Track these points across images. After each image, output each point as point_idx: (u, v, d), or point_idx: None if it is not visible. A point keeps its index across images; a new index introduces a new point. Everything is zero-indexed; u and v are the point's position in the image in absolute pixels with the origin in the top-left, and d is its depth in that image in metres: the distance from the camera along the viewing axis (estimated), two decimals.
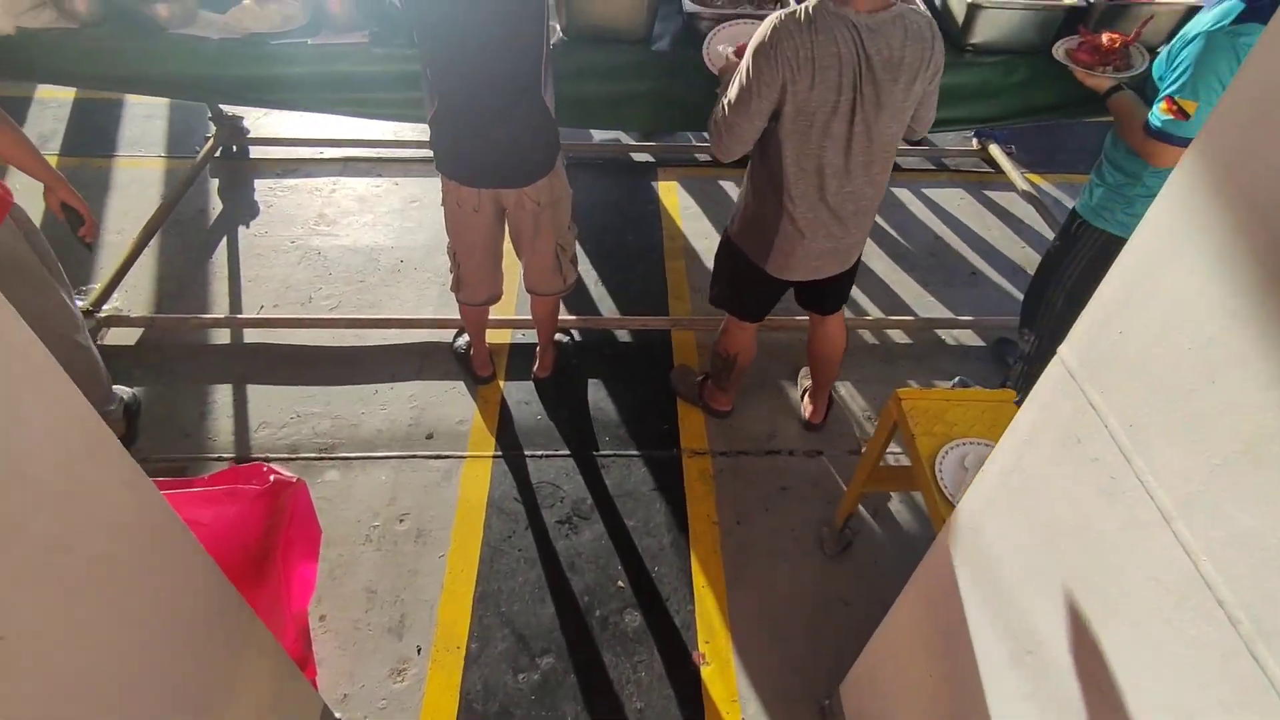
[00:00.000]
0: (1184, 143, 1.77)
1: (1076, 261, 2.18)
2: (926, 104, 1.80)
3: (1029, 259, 3.44)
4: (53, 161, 3.42)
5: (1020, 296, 2.89)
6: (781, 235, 1.88)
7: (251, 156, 3.76)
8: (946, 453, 1.77)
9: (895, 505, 2.46)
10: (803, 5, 1.57)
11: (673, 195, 3.72)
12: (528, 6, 1.79)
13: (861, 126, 1.67)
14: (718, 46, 2.07)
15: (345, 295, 3.05)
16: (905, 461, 2.47)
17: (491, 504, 2.38)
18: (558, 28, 2.20)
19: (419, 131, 3.73)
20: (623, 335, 2.99)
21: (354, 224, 3.40)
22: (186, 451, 2.46)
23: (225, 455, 2.46)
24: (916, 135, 1.90)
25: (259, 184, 3.59)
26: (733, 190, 3.77)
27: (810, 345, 2.43)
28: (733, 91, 1.66)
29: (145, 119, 3.95)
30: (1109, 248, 2.06)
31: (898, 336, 3.04)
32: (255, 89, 2.13)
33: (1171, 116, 1.77)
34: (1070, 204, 3.83)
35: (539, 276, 2.35)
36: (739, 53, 1.83)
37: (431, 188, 3.59)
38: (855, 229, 1.92)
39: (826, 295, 2.19)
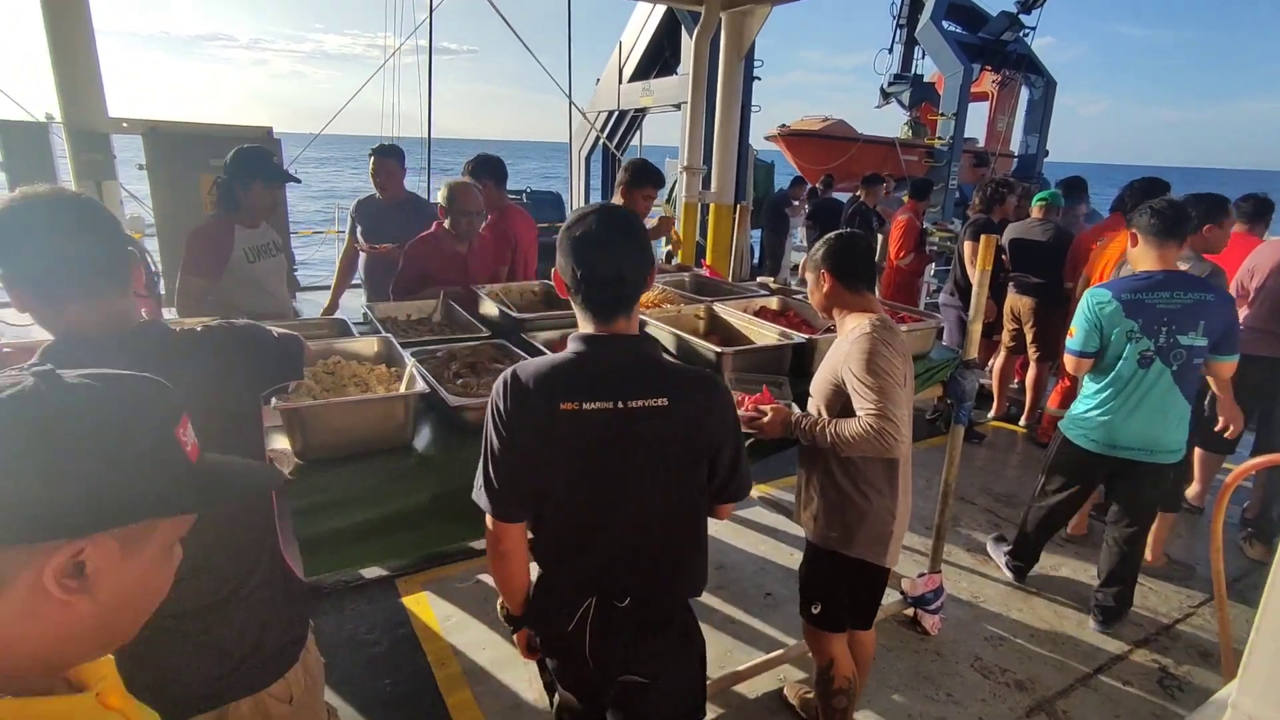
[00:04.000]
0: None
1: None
2: None
3: None
4: None
5: None
6: (899, 522, 2.02)
7: None
8: None
9: None
10: (867, 317, 1.91)
11: (425, 607, 3.05)
12: (240, 442, 1.32)
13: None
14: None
15: None
16: None
17: None
18: (291, 455, 1.71)
19: None
20: None
21: None
22: None
23: None
24: None
25: None
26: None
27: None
28: (874, 397, 1.80)
29: None
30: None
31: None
32: None
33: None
34: None
35: None
36: (759, 402, 2.07)
37: None
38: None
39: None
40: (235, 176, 2.71)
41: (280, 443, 1.79)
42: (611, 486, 1.38)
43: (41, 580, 0.57)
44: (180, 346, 1.26)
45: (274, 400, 1.68)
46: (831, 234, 2.03)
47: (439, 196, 3.17)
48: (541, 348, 2.34)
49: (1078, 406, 2.91)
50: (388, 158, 3.66)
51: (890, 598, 3.02)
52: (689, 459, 1.40)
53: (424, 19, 5.80)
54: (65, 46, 3.35)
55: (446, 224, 3.16)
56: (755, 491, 4.03)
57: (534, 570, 1.54)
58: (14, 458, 0.56)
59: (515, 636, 1.60)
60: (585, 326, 1.40)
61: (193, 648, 1.27)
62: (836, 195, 9.19)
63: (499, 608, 1.59)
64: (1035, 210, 4.80)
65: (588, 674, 1.48)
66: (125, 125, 3.62)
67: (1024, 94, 15.45)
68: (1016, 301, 4.84)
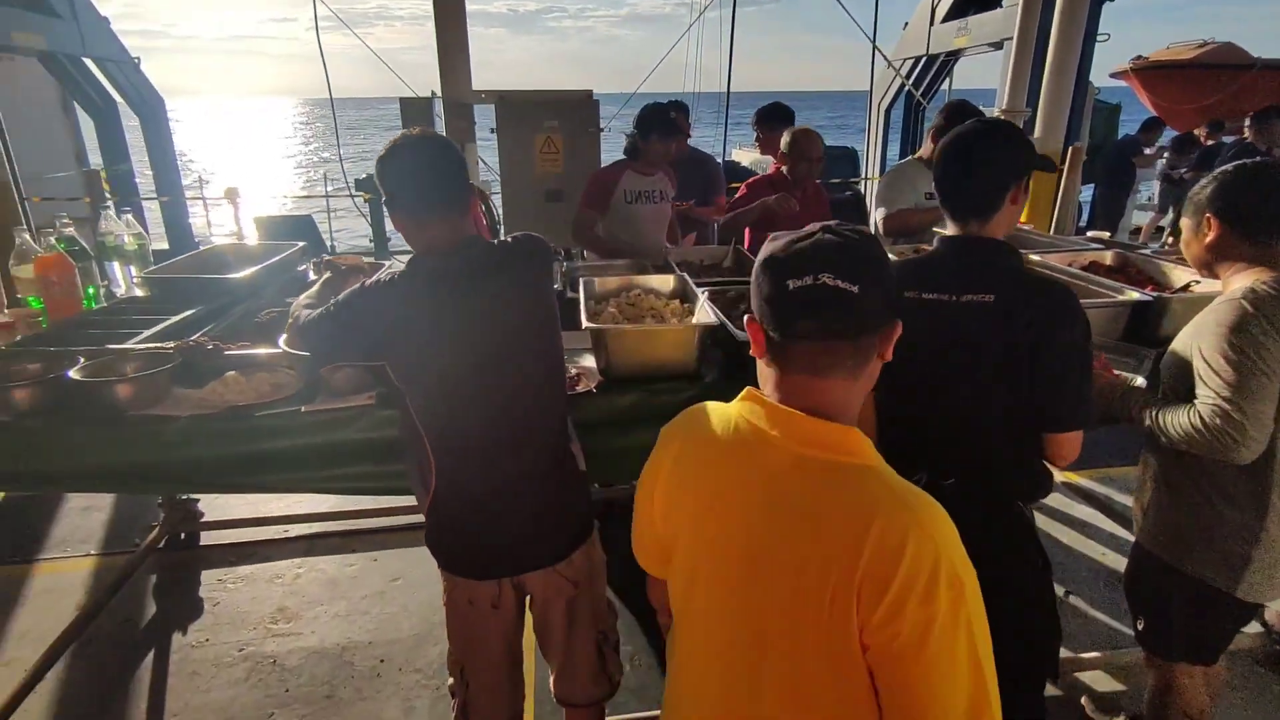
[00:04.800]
0: None
1: None
2: None
3: (1119, 564, 2.99)
4: None
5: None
6: (1267, 548, 1.55)
7: (201, 544, 3.20)
8: None
9: None
10: (1257, 276, 1.49)
11: None
12: (545, 339, 1.54)
13: None
14: None
15: None
16: None
17: None
18: (595, 372, 1.94)
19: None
20: None
21: (322, 616, 2.74)
22: None
23: None
24: None
25: (207, 576, 2.98)
26: None
27: None
28: (1220, 383, 1.42)
29: (82, 512, 3.43)
30: None
31: None
32: (227, 472, 1.71)
33: None
34: (1120, 499, 3.57)
35: (577, 682, 1.74)
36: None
37: (417, 560, 3.04)
38: None
39: None
40: (638, 129, 3.13)
41: (587, 361, 2.03)
42: (939, 373, 1.47)
43: (884, 352, 0.92)
44: (501, 251, 1.50)
45: (584, 321, 1.91)
46: (1229, 166, 1.56)
47: (782, 143, 3.30)
48: None
49: None
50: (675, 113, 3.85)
51: (1250, 627, 2.47)
52: (1011, 361, 1.39)
53: None
54: (447, 35, 4.08)
55: (784, 169, 3.28)
56: (1059, 476, 3.53)
57: None
58: (880, 273, 0.88)
59: None
60: (948, 229, 1.53)
61: (504, 517, 1.52)
62: (1226, 140, 7.38)
63: None
64: None
65: None
66: (484, 96, 4.30)
67: None
68: None
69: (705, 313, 1.99)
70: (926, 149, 3.25)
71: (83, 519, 3.38)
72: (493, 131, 4.22)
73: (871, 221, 3.77)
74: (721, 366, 2.02)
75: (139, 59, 7.30)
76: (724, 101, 6.64)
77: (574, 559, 1.61)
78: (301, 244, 2.86)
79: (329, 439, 1.72)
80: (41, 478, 1.72)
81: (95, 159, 7.55)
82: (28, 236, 2.15)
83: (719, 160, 4.63)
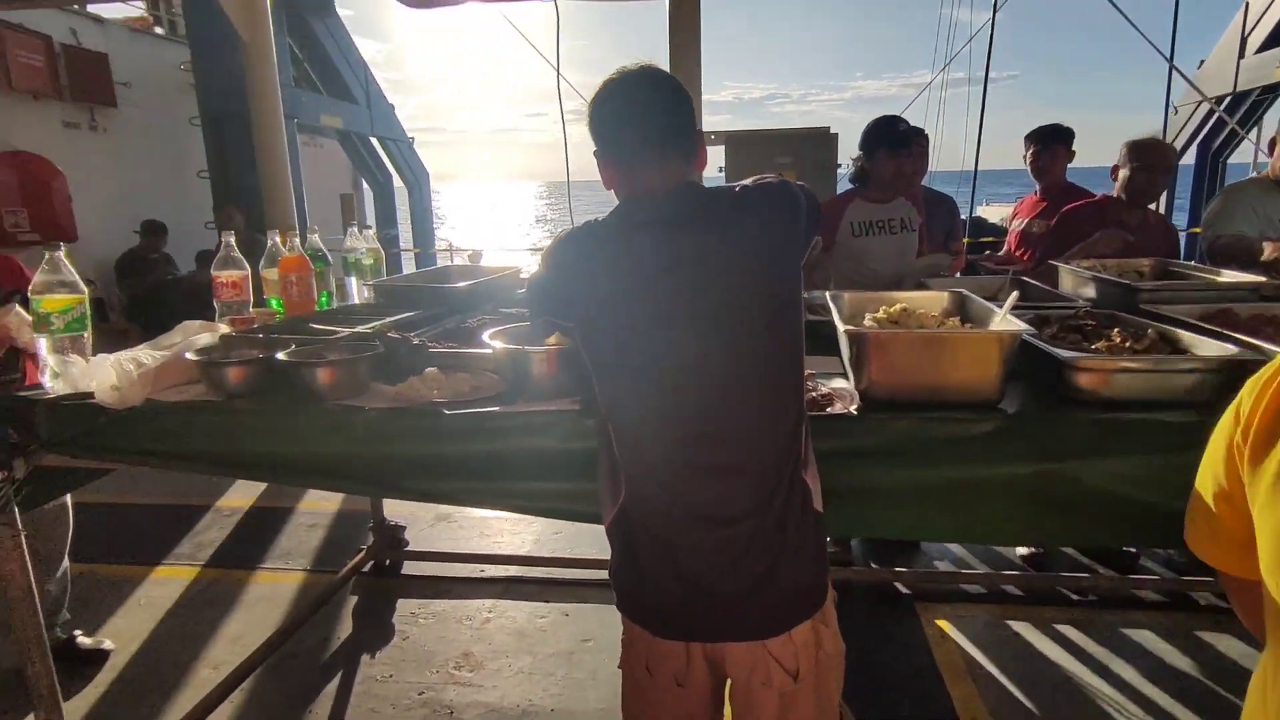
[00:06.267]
0: None
1: None
2: None
3: None
4: (192, 573, 2.87)
5: None
6: None
7: (403, 573, 3.14)
8: None
9: None
10: None
11: (948, 644, 2.53)
12: (775, 312, 1.11)
13: None
14: None
15: None
16: None
17: None
18: (853, 392, 1.48)
19: (602, 545, 3.00)
20: None
21: (505, 670, 2.46)
22: None
23: None
24: None
25: (403, 606, 2.87)
26: (1028, 631, 2.54)
27: None
28: None
29: (308, 529, 3.57)
30: None
31: None
32: (412, 475, 1.50)
33: None
34: None
35: None
36: None
37: (613, 621, 2.67)
38: None
39: None
40: (863, 147, 2.73)
41: (838, 383, 1.58)
42: None
43: None
44: (729, 196, 1.16)
45: (840, 325, 1.48)
46: None
47: (1120, 156, 2.75)
48: (1186, 319, 1.64)
49: None
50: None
51: None
52: None
53: (958, 51, 5.35)
54: (680, 70, 4.03)
55: (1118, 185, 2.76)
56: None
57: None
58: None
59: None
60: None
61: (702, 558, 1.12)
62: None
63: None
64: None
65: None
66: (712, 137, 4.15)
67: None
68: None
69: (1010, 322, 1.46)
70: (1275, 166, 2.66)
71: (306, 536, 3.51)
72: (721, 170, 4.03)
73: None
74: (1031, 396, 1.45)
75: (413, 138, 8.43)
76: (970, 169, 6.01)
77: (795, 636, 1.13)
78: (519, 266, 2.77)
79: (523, 444, 1.43)
80: (225, 462, 1.62)
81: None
82: (278, 240, 2.22)
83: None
